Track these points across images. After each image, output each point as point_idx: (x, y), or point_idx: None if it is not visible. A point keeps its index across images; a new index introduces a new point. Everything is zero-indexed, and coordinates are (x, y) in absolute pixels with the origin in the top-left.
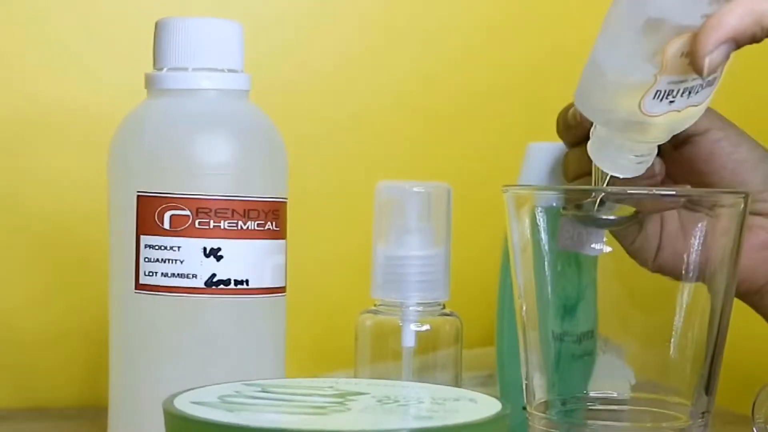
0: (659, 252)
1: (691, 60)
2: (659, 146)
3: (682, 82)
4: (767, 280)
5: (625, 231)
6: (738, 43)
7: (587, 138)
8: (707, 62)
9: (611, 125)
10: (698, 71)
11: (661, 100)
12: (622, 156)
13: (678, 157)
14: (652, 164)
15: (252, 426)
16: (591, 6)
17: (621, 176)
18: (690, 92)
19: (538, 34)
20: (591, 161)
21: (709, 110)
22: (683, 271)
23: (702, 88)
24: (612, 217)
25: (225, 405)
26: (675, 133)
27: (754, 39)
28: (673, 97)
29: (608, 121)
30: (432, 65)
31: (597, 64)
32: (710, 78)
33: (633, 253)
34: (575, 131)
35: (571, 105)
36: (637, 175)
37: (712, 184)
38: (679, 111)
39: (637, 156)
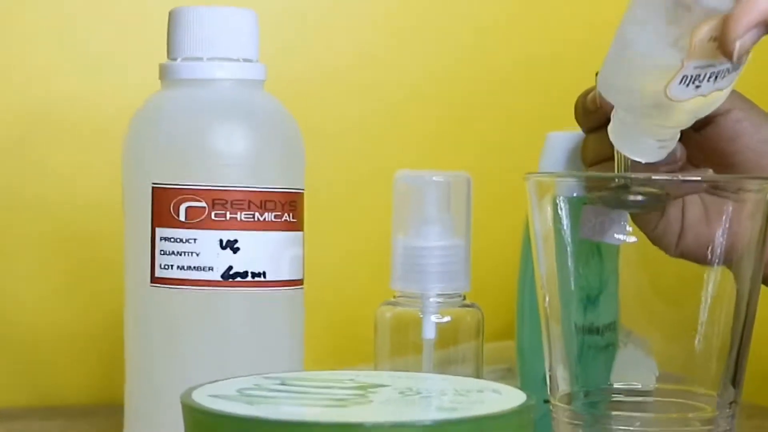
0: (681, 237)
1: (721, 44)
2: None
3: (709, 66)
4: None
5: (647, 216)
6: None
7: (606, 123)
8: (738, 46)
9: (634, 109)
10: (728, 55)
11: (688, 85)
12: (644, 140)
13: (699, 139)
14: (674, 150)
15: (273, 419)
16: None
17: (643, 161)
18: (717, 77)
19: (556, 23)
20: (610, 146)
21: (731, 91)
22: (707, 256)
23: (728, 73)
24: (640, 198)
25: (244, 398)
26: (698, 118)
27: None
28: (700, 81)
29: (631, 105)
30: (450, 54)
31: (622, 47)
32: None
33: (655, 239)
34: (594, 116)
35: (590, 90)
36: (659, 159)
37: (735, 165)
38: (704, 96)
39: (659, 141)
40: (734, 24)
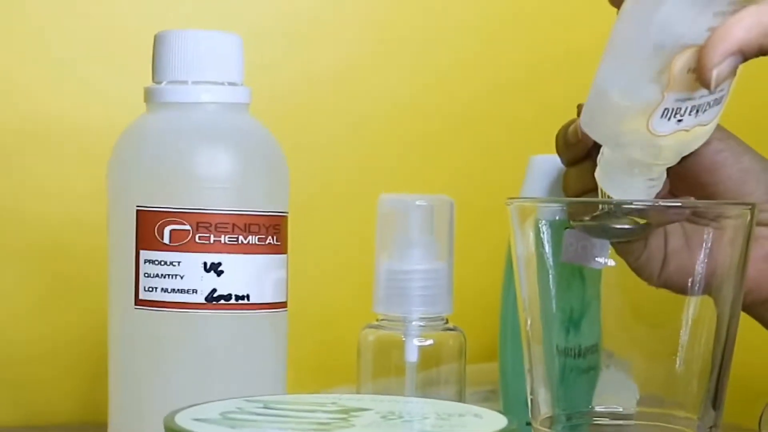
0: (664, 267)
1: (698, 73)
2: None
3: (689, 99)
4: None
5: (629, 247)
6: (745, 55)
7: (588, 155)
8: (715, 74)
9: (619, 149)
10: (705, 84)
11: (669, 119)
12: (631, 181)
13: (680, 170)
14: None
15: None
16: (594, 14)
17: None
18: (698, 110)
19: (541, 45)
20: (591, 179)
21: None
22: (689, 285)
23: (710, 107)
24: (627, 226)
25: (227, 421)
26: (684, 154)
27: (762, 51)
28: (681, 115)
29: (616, 144)
30: (434, 77)
31: (602, 87)
32: (718, 96)
33: (638, 269)
34: (575, 148)
35: (571, 122)
36: (651, 196)
37: (716, 195)
38: (687, 131)
39: (648, 180)
40: (710, 53)
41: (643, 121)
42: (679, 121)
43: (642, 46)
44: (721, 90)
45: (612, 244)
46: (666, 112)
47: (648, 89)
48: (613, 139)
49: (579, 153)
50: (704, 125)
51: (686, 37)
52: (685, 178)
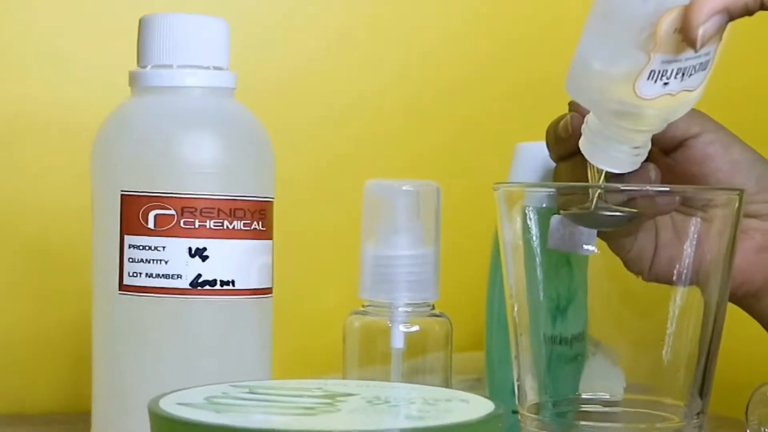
0: (654, 261)
1: (684, 32)
2: (652, 154)
3: (675, 61)
4: (763, 283)
5: (621, 241)
6: (731, 13)
7: (578, 150)
8: (701, 33)
9: (605, 115)
10: (691, 43)
11: (656, 81)
12: (616, 148)
13: (671, 163)
14: (647, 170)
15: (240, 427)
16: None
17: (616, 171)
18: (684, 74)
19: (528, 32)
20: (583, 173)
21: (699, 114)
22: (678, 276)
23: (695, 71)
24: (616, 213)
25: (212, 406)
26: (669, 121)
27: (747, 10)
28: (667, 78)
29: (602, 110)
30: (420, 63)
31: (587, 52)
32: (704, 59)
33: (629, 264)
34: (566, 144)
35: (561, 118)
36: (632, 169)
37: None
38: (673, 95)
39: (633, 148)
40: (696, 11)
41: (629, 85)
42: (665, 84)
43: (626, 7)
44: (707, 53)
45: (604, 239)
46: (652, 74)
47: (633, 52)
48: (599, 104)
49: (570, 148)
50: (690, 90)
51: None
52: (676, 170)
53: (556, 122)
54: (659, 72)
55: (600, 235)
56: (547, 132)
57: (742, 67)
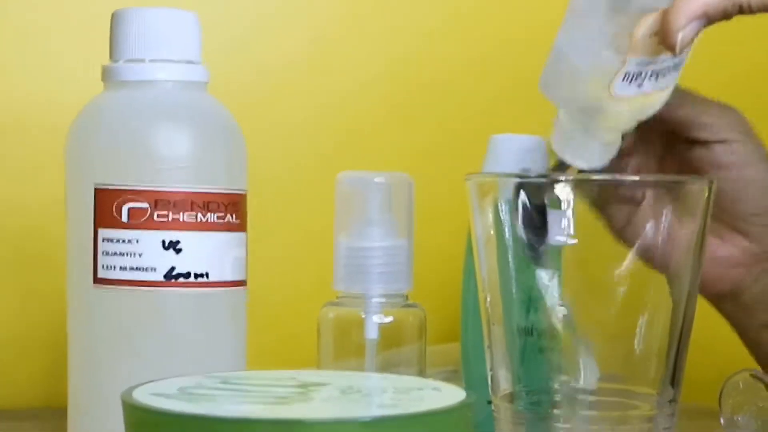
0: (640, 240)
1: (662, 37)
2: (672, 139)
3: (650, 63)
4: (729, 291)
5: (614, 214)
6: (710, 18)
7: None
8: (680, 38)
9: (576, 112)
10: (670, 48)
11: (630, 82)
12: (587, 144)
13: (690, 156)
14: (622, 168)
15: (213, 415)
16: None
17: (585, 167)
18: (658, 75)
19: (499, 24)
20: None
21: (739, 120)
22: (652, 260)
23: (669, 72)
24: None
25: (185, 396)
26: (641, 120)
27: (726, 15)
28: (642, 80)
29: (573, 107)
30: (394, 55)
31: (562, 51)
32: (678, 60)
33: (617, 237)
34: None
35: None
36: (601, 165)
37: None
38: (647, 95)
39: (603, 145)
40: (675, 16)
41: (602, 86)
42: (640, 86)
43: (602, 11)
44: (682, 55)
45: (597, 210)
46: (627, 76)
47: (608, 55)
48: (572, 102)
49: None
50: (662, 90)
51: (647, 2)
52: (691, 164)
53: None
54: (634, 74)
55: (596, 205)
56: None
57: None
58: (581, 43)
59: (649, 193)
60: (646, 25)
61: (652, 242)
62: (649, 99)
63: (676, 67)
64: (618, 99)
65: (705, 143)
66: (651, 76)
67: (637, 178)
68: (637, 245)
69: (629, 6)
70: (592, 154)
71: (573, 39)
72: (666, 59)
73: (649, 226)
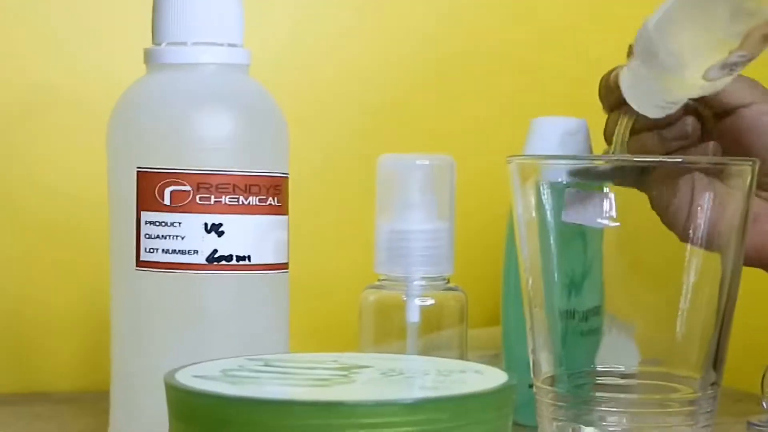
0: (689, 220)
1: None
2: (703, 118)
3: (745, 56)
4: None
5: (660, 196)
6: None
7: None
8: None
9: (658, 68)
10: None
11: (723, 68)
12: (653, 97)
13: (722, 128)
14: (686, 125)
15: (255, 398)
16: None
17: (645, 113)
18: (747, 62)
19: (545, 7)
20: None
21: (755, 83)
22: (696, 240)
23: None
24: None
25: (227, 378)
26: (705, 94)
27: None
28: (736, 68)
29: (659, 63)
30: (435, 38)
31: (680, 16)
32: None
33: (665, 219)
34: (617, 94)
35: (614, 69)
36: (661, 116)
37: (753, 155)
38: (732, 77)
39: (668, 102)
40: None
41: (702, 63)
42: (731, 71)
43: (723, 9)
44: None
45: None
46: (726, 65)
47: (718, 42)
48: (663, 60)
49: (619, 98)
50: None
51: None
52: (725, 137)
53: (609, 74)
54: (732, 63)
55: (641, 189)
56: (600, 83)
57: None
58: (700, 24)
59: (694, 175)
60: (763, 28)
61: (695, 224)
62: (722, 82)
63: (756, 57)
64: (708, 80)
65: (733, 112)
66: (744, 64)
67: (680, 159)
68: (681, 227)
69: (755, 14)
70: (656, 107)
71: (694, 16)
72: (757, 52)
73: (692, 208)
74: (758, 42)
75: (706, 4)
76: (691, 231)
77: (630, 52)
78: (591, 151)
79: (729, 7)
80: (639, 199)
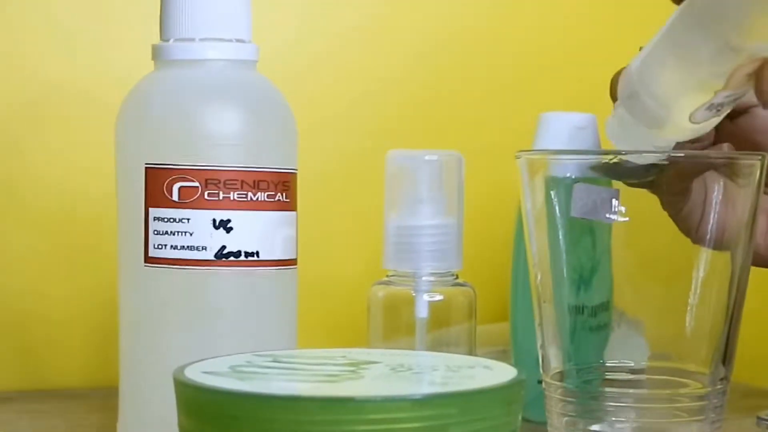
0: (702, 221)
1: (759, 90)
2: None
3: (732, 95)
4: None
5: (673, 199)
6: None
7: None
8: None
9: (643, 113)
10: (765, 102)
11: (710, 109)
12: (641, 145)
13: (734, 128)
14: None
15: (264, 393)
16: None
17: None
18: (734, 101)
19: (551, 5)
20: None
21: None
22: (704, 236)
23: (738, 99)
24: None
25: (236, 374)
26: (694, 137)
27: None
28: (722, 108)
29: (643, 107)
30: (442, 33)
31: (663, 58)
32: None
33: (679, 222)
34: None
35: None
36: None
37: None
38: (718, 117)
39: (657, 148)
40: None
41: (684, 109)
42: (718, 111)
43: (713, 45)
44: None
45: (658, 195)
46: (712, 106)
47: (702, 82)
48: (643, 114)
49: None
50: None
51: (759, 52)
52: (737, 137)
53: (619, 71)
54: (718, 104)
55: (654, 191)
56: (612, 80)
57: None
58: (683, 66)
59: (703, 171)
60: (749, 68)
61: (705, 219)
62: (710, 124)
63: (744, 95)
64: (695, 124)
65: (746, 111)
66: (730, 103)
67: (683, 153)
68: (690, 222)
69: (740, 51)
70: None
71: (677, 55)
72: (747, 91)
73: (702, 203)
74: (744, 81)
75: (690, 43)
76: (703, 233)
77: (614, 98)
78: (600, 146)
79: (714, 45)
80: (648, 194)
